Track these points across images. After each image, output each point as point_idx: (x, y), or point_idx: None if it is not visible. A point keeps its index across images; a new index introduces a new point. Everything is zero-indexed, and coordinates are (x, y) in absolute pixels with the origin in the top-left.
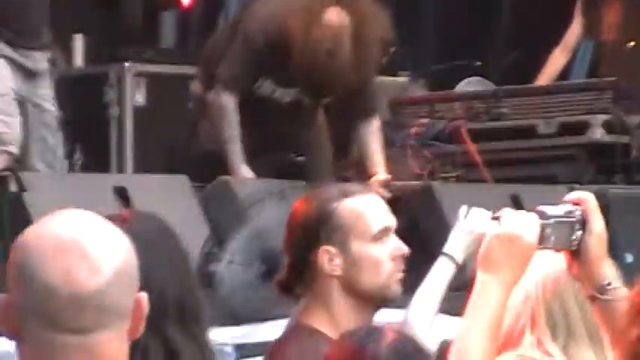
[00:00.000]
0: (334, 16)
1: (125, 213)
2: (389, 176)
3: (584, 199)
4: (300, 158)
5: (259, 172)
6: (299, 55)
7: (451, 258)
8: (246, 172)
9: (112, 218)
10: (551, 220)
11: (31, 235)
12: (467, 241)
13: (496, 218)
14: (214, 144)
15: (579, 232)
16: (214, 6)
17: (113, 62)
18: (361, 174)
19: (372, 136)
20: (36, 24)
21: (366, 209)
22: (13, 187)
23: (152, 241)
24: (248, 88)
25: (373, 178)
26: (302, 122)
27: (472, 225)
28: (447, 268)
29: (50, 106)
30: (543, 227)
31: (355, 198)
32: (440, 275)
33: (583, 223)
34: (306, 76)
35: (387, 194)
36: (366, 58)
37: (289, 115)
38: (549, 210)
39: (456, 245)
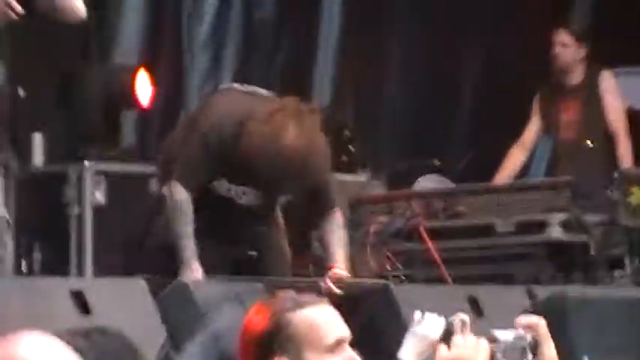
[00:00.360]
0: (290, 137)
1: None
2: (344, 273)
3: (536, 324)
4: (253, 253)
5: (213, 268)
6: (250, 161)
7: None
8: (195, 268)
9: (75, 334)
10: (502, 345)
11: None
12: (421, 347)
13: (448, 337)
14: (169, 238)
15: (530, 357)
16: (174, 105)
17: (73, 161)
18: (321, 270)
19: (333, 232)
20: None
21: (321, 320)
22: None
23: (112, 356)
24: (203, 185)
25: (328, 274)
26: (258, 220)
27: (427, 330)
28: None
29: None
30: (493, 352)
31: (309, 309)
32: None
33: (534, 348)
34: (258, 179)
35: (339, 292)
36: (313, 174)
37: (245, 213)
38: (500, 335)
39: (410, 351)
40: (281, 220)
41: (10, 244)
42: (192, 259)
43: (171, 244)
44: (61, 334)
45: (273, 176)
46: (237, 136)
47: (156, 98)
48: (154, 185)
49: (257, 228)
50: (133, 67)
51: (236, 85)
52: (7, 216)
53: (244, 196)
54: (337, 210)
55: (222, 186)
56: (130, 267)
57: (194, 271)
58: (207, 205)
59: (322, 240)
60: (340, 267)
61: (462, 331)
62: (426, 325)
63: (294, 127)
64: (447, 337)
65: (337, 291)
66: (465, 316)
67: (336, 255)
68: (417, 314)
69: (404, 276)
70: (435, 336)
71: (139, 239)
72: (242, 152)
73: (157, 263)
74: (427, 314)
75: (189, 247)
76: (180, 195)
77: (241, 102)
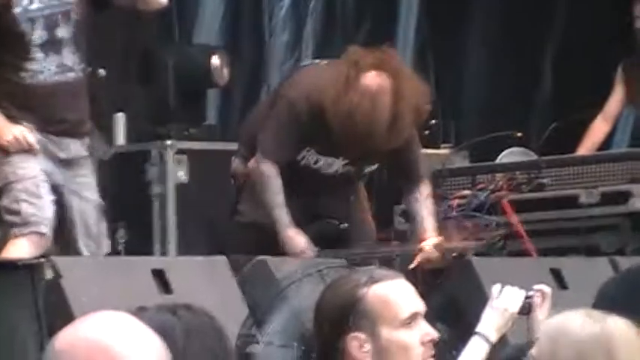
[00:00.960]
0: (372, 80)
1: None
2: (441, 239)
3: (545, 292)
4: (344, 226)
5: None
6: (339, 122)
7: (485, 337)
8: (294, 234)
9: (162, 309)
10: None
11: (63, 341)
12: (500, 321)
13: (527, 310)
14: (256, 216)
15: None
16: (256, 83)
17: (155, 140)
18: (405, 243)
19: (421, 203)
20: (63, 112)
21: (395, 295)
22: (48, 274)
23: (199, 336)
24: (291, 158)
25: (424, 242)
26: (344, 191)
27: (505, 304)
28: (481, 347)
29: (90, 194)
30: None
31: (383, 284)
32: (474, 355)
33: (524, 308)
34: (348, 142)
35: (440, 257)
36: (405, 121)
37: (333, 185)
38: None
39: (489, 325)
40: (365, 194)
41: (104, 230)
42: (290, 226)
43: (259, 220)
44: (147, 310)
45: (360, 128)
46: (322, 103)
47: (237, 77)
48: (235, 163)
49: (343, 199)
50: (213, 47)
51: (317, 61)
52: (99, 201)
53: (331, 166)
54: (425, 181)
55: (310, 157)
56: (214, 245)
57: (295, 237)
58: (293, 176)
59: (410, 209)
60: (434, 236)
61: (542, 303)
62: (504, 299)
63: (373, 70)
64: (526, 310)
65: (439, 256)
66: (545, 288)
67: (427, 225)
68: (496, 288)
69: (487, 249)
70: (514, 309)
71: (225, 218)
72: (328, 113)
73: (244, 241)
74: (506, 287)
75: (283, 215)
76: (268, 167)
77: (325, 72)
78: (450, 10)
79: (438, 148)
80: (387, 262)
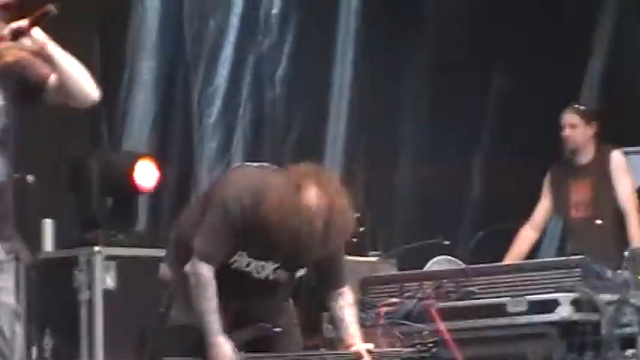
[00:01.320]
0: (311, 198)
1: None
2: (370, 345)
3: None
4: (277, 330)
5: (235, 346)
6: (272, 231)
7: None
8: (223, 342)
9: None
10: None
11: None
12: None
13: None
14: (189, 320)
15: None
16: (185, 189)
17: (83, 246)
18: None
19: (346, 309)
20: None
21: None
22: None
23: None
24: (225, 260)
25: (353, 348)
26: (276, 296)
27: None
28: None
29: (7, 298)
30: None
31: None
32: None
33: None
34: (280, 249)
35: None
36: (338, 239)
37: (264, 289)
38: None
39: None
40: (291, 303)
41: (20, 335)
42: (219, 333)
43: (192, 324)
44: None
45: (295, 240)
46: (257, 205)
47: (166, 184)
48: (163, 269)
49: (274, 303)
50: (140, 153)
51: (248, 163)
52: (16, 306)
53: (263, 270)
54: (348, 287)
55: (242, 260)
56: (142, 352)
57: (222, 346)
58: (225, 279)
59: (335, 316)
60: (360, 342)
61: None
62: None
63: (315, 188)
64: None
65: None
66: None
67: (353, 331)
68: None
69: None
70: None
71: (154, 324)
72: (262, 219)
73: (175, 345)
74: None
75: (214, 322)
76: (204, 271)
77: (258, 174)
78: (380, 116)
79: (367, 255)
80: None
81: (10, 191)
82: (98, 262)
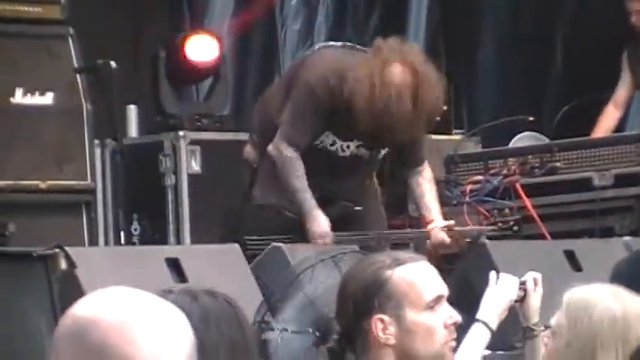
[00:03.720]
0: (397, 74)
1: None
2: (450, 222)
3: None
4: (358, 208)
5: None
6: (359, 110)
7: (486, 324)
8: (321, 216)
9: (184, 293)
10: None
11: (83, 313)
12: (499, 308)
13: (523, 284)
14: (271, 199)
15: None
16: (269, 72)
17: (167, 131)
18: (418, 229)
19: (425, 185)
20: None
21: (419, 278)
22: (63, 265)
23: (217, 324)
24: (312, 142)
25: (432, 225)
26: (359, 175)
27: (503, 291)
28: (483, 334)
29: None
30: None
31: (408, 266)
32: (476, 342)
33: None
34: (366, 129)
35: (448, 240)
36: (421, 115)
37: (348, 167)
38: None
39: (489, 311)
40: (375, 182)
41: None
42: (315, 209)
43: (275, 203)
44: (171, 292)
45: (381, 119)
46: (342, 85)
47: (249, 67)
48: (247, 151)
49: (358, 182)
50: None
51: (332, 43)
52: (95, 185)
53: (347, 149)
54: (426, 164)
55: (326, 140)
56: (228, 234)
57: (320, 221)
58: (309, 159)
59: (415, 193)
60: (439, 218)
61: (534, 289)
62: (502, 286)
63: (400, 66)
64: (521, 296)
65: (446, 239)
66: (536, 274)
67: (433, 208)
68: (493, 275)
69: (502, 233)
70: (512, 296)
71: (238, 206)
72: (348, 99)
73: (259, 223)
74: (502, 275)
75: (308, 198)
76: (288, 152)
77: (342, 54)
78: None
79: (450, 134)
80: (401, 247)
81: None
82: (183, 146)
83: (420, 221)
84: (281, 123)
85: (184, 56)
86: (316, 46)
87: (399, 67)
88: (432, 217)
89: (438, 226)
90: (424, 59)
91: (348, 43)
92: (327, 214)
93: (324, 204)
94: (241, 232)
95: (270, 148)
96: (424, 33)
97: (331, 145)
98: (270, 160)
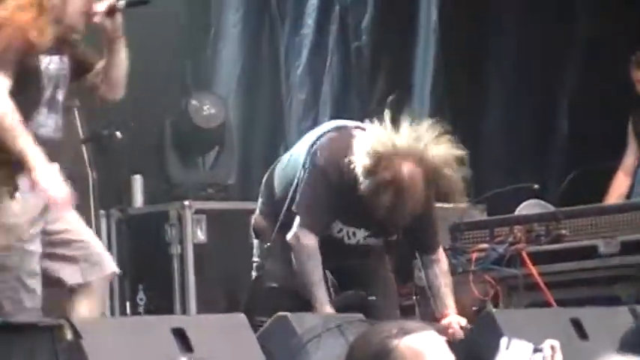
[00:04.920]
0: (407, 170)
1: None
2: (463, 320)
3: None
4: (372, 298)
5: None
6: (367, 201)
7: None
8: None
9: None
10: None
11: None
12: None
13: (538, 350)
14: (286, 280)
15: None
16: (274, 141)
17: (173, 201)
18: (424, 301)
19: (441, 278)
20: None
21: (427, 347)
22: (69, 335)
23: None
24: (327, 227)
25: (446, 319)
26: (368, 261)
27: (514, 357)
28: None
29: None
30: None
31: (415, 335)
32: None
33: None
34: (372, 219)
35: (461, 336)
36: (434, 210)
37: (356, 255)
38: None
39: None
40: (387, 260)
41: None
42: (326, 305)
43: (289, 286)
44: None
45: (390, 212)
46: (355, 174)
47: (255, 136)
48: (258, 218)
49: (367, 268)
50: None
51: (337, 124)
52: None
53: (354, 236)
54: (442, 252)
55: (335, 227)
56: (234, 303)
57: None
58: (324, 248)
59: (430, 285)
60: (454, 313)
61: (552, 357)
62: (513, 352)
63: (410, 163)
64: (538, 350)
65: (461, 335)
66: (554, 342)
67: (449, 302)
68: (504, 341)
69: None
70: None
71: (244, 276)
72: (358, 189)
73: (270, 302)
74: (514, 340)
75: (322, 293)
76: (309, 241)
77: (351, 138)
78: (466, 63)
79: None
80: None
81: (68, 147)
82: (188, 216)
83: (426, 292)
84: (299, 210)
85: (190, 122)
86: (323, 119)
87: (410, 164)
88: (447, 312)
89: (452, 322)
90: (435, 142)
91: (357, 123)
92: (340, 303)
93: (334, 291)
94: (254, 312)
95: (289, 237)
96: (429, 98)
97: (338, 232)
98: (289, 246)
